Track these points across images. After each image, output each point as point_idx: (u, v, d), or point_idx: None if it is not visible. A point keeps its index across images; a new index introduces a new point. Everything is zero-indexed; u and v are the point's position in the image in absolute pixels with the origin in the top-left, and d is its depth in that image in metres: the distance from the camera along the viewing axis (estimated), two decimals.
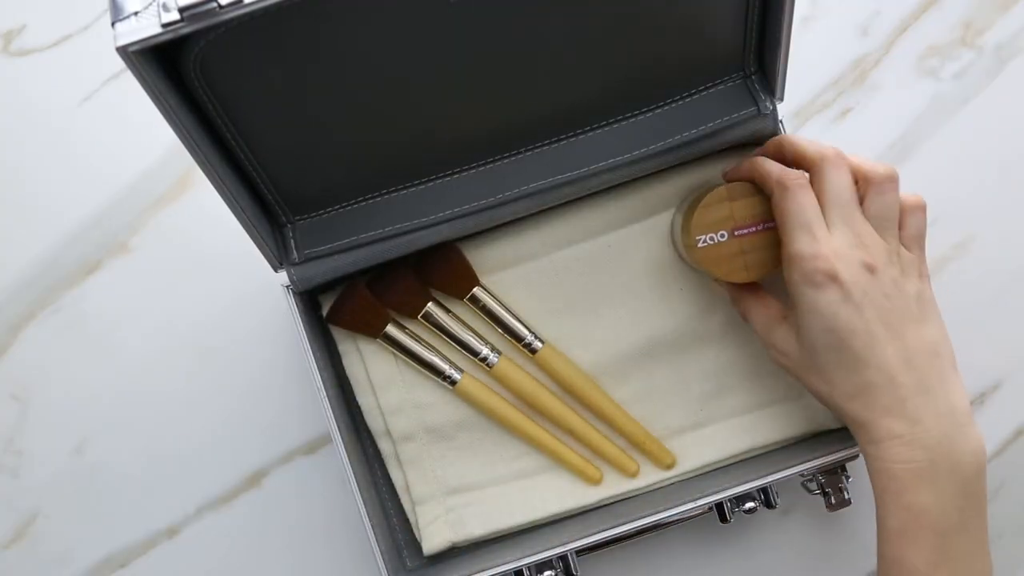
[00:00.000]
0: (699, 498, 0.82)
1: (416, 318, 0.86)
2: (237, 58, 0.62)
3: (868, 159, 0.76)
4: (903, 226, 0.77)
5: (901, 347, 0.72)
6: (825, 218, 0.74)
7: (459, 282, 0.86)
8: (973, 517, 0.72)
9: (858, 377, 0.73)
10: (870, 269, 0.72)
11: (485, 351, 0.86)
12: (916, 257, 0.76)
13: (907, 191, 0.77)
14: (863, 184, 0.75)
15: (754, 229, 0.80)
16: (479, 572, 0.81)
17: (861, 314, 0.72)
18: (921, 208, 0.77)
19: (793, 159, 0.78)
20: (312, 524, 0.93)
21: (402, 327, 0.85)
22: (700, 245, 0.80)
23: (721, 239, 0.80)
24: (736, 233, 0.80)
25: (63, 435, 0.93)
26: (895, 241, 0.75)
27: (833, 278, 0.72)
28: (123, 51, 0.54)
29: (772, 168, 0.77)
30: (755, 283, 0.82)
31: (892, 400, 0.72)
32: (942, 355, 0.74)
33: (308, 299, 0.85)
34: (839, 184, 0.74)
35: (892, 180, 0.75)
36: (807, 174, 0.76)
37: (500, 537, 0.88)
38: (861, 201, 0.75)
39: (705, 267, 0.80)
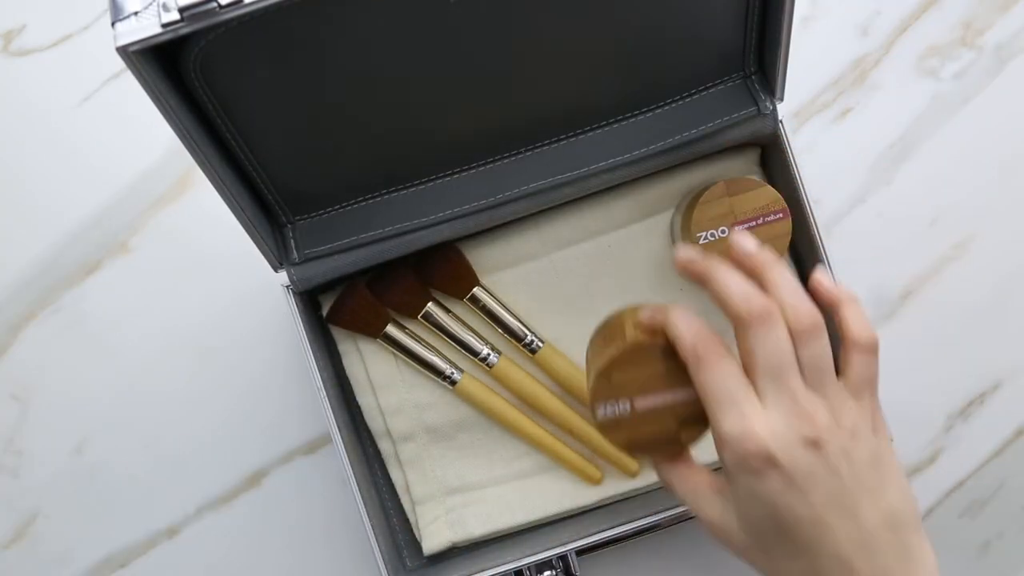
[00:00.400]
0: None
1: (416, 318, 0.86)
2: (237, 58, 0.62)
3: (794, 299, 0.64)
4: (847, 371, 0.65)
5: (855, 528, 0.62)
6: (755, 385, 0.63)
7: (459, 282, 0.86)
8: None
9: (808, 564, 0.64)
10: (814, 444, 0.61)
11: (485, 351, 0.86)
12: (866, 407, 0.65)
13: (856, 324, 0.65)
14: (792, 337, 0.64)
15: (756, 223, 0.80)
16: (479, 572, 0.81)
17: (806, 499, 0.61)
18: (869, 348, 0.65)
19: (716, 301, 0.66)
20: (312, 524, 0.94)
21: (402, 327, 0.85)
22: (701, 242, 0.80)
23: (723, 235, 0.80)
24: (737, 228, 0.80)
25: (63, 435, 0.94)
26: (838, 394, 0.64)
27: (771, 462, 0.61)
28: (123, 51, 0.54)
29: (684, 333, 0.65)
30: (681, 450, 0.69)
31: None
32: (903, 525, 0.63)
33: (308, 299, 0.85)
34: (768, 348, 0.63)
35: (815, 328, 0.63)
36: (719, 339, 0.65)
37: (500, 537, 0.89)
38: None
39: None
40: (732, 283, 0.64)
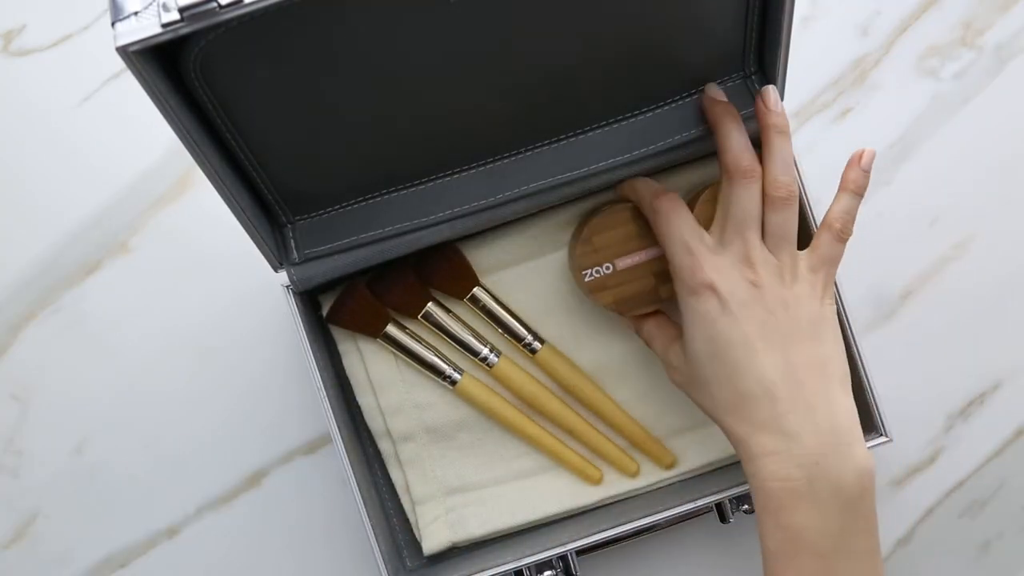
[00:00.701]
0: (699, 498, 0.82)
1: (416, 318, 0.85)
2: (237, 58, 0.62)
3: (777, 170, 0.74)
4: (814, 246, 0.74)
5: (782, 360, 0.70)
6: (720, 233, 0.74)
7: (459, 282, 0.86)
8: (859, 539, 0.69)
9: (735, 387, 0.71)
10: (754, 284, 0.71)
11: (485, 351, 0.86)
12: (819, 280, 0.73)
13: (837, 207, 0.75)
14: (765, 199, 0.74)
15: None
16: (479, 572, 0.81)
17: (739, 325, 0.70)
18: (836, 235, 0.74)
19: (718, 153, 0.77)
20: (312, 524, 0.93)
21: (402, 327, 0.85)
22: None
23: None
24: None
25: (63, 435, 0.94)
26: (793, 261, 0.73)
27: (711, 288, 0.71)
28: (123, 51, 0.53)
29: (643, 193, 0.78)
30: (657, 310, 0.83)
31: (769, 415, 0.70)
32: (830, 374, 0.71)
33: (308, 299, 0.85)
34: (738, 200, 0.73)
35: (789, 198, 0.73)
36: (675, 195, 0.77)
37: (500, 537, 0.89)
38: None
39: None
40: (734, 137, 0.75)
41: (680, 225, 0.74)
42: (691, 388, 0.76)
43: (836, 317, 0.73)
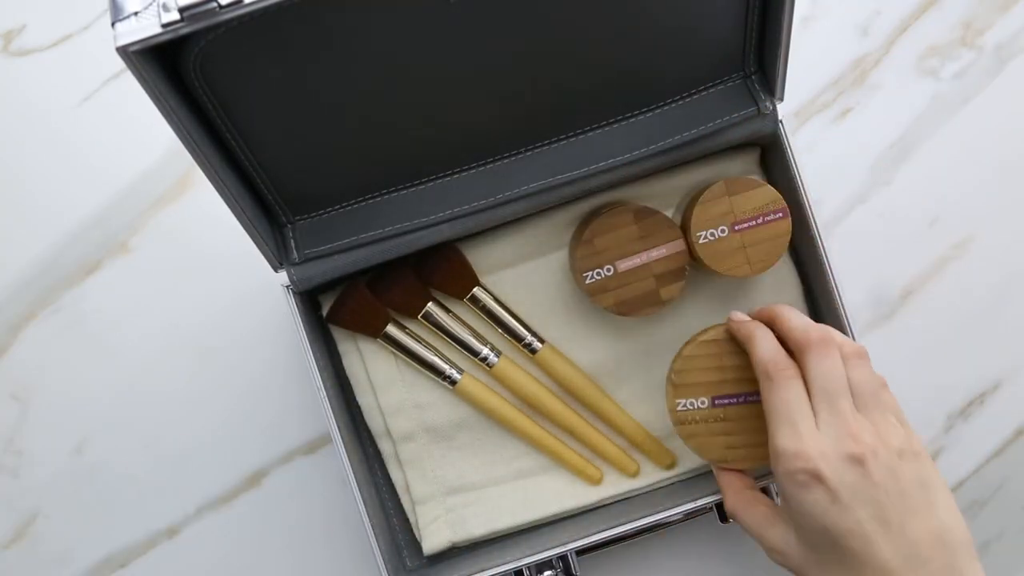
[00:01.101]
0: (699, 498, 0.82)
1: (416, 318, 0.85)
2: (237, 58, 0.62)
3: (840, 334, 0.73)
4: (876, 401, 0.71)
5: (903, 543, 0.66)
6: (813, 408, 0.70)
7: (459, 282, 0.86)
8: None
9: (859, 574, 0.67)
10: (859, 461, 0.66)
11: (485, 351, 0.86)
12: (907, 432, 0.70)
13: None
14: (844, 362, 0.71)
15: (755, 222, 0.80)
16: (479, 572, 0.81)
17: (851, 514, 0.66)
18: (883, 384, 0.72)
19: (781, 336, 0.74)
20: (312, 524, 0.93)
21: (402, 327, 0.85)
22: (701, 241, 0.80)
23: (722, 234, 0.80)
24: (736, 228, 0.80)
25: (63, 435, 0.93)
26: (885, 416, 0.70)
27: (817, 478, 0.67)
28: (123, 51, 0.54)
29: (762, 352, 0.73)
30: (742, 472, 0.79)
31: None
32: (953, 544, 0.66)
33: (308, 299, 0.85)
34: (824, 371, 0.70)
35: (863, 353, 0.72)
36: (793, 364, 0.72)
37: (500, 537, 0.88)
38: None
39: (707, 263, 0.80)
40: (792, 317, 0.74)
41: (790, 399, 0.70)
42: (807, 571, 0.70)
43: (938, 472, 0.70)
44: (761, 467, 0.79)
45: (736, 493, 0.77)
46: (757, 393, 0.77)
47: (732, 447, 0.79)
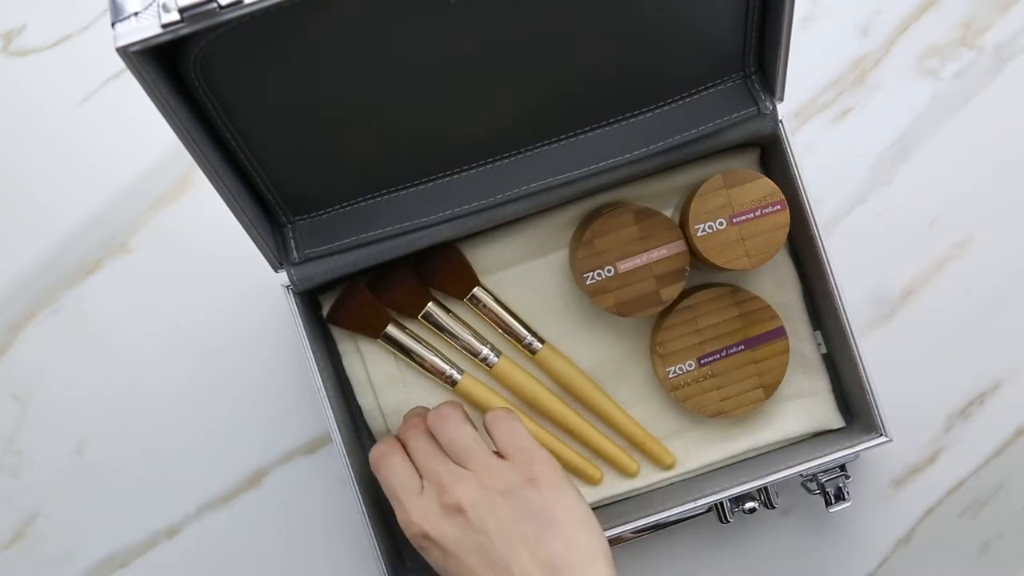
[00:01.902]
0: (699, 498, 0.82)
1: (416, 318, 0.85)
2: (237, 58, 0.62)
3: (434, 406, 0.78)
4: (493, 440, 0.74)
5: None
6: (420, 480, 0.73)
7: (459, 282, 0.86)
8: None
9: None
10: (458, 512, 0.70)
11: (485, 351, 0.86)
12: (521, 465, 0.71)
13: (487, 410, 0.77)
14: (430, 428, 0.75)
15: (753, 215, 0.80)
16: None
17: (462, 563, 0.69)
18: (503, 417, 0.75)
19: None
20: (312, 524, 0.93)
21: (402, 327, 0.85)
22: (699, 234, 0.80)
23: (720, 227, 0.80)
24: (734, 220, 0.80)
25: (63, 435, 0.93)
26: (485, 462, 0.72)
27: (428, 539, 0.71)
28: (123, 51, 0.53)
29: (373, 451, 0.77)
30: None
31: None
32: (566, 568, 0.67)
33: (308, 299, 0.85)
34: (413, 447, 0.75)
35: (443, 415, 0.75)
36: (393, 446, 0.76)
37: None
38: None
39: (706, 256, 0.80)
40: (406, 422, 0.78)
41: (394, 474, 0.74)
42: None
43: (554, 485, 0.71)
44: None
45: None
46: (737, 345, 0.85)
47: (726, 398, 0.85)
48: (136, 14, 0.53)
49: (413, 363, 0.86)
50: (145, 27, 0.53)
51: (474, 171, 0.81)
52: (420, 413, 0.78)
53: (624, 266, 0.81)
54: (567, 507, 0.70)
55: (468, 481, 0.71)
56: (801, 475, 0.84)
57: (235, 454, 0.93)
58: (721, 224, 0.80)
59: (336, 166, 0.76)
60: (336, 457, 0.81)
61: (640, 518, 0.81)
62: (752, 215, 0.80)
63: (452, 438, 0.73)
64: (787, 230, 0.81)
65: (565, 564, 0.67)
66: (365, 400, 0.87)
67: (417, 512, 0.71)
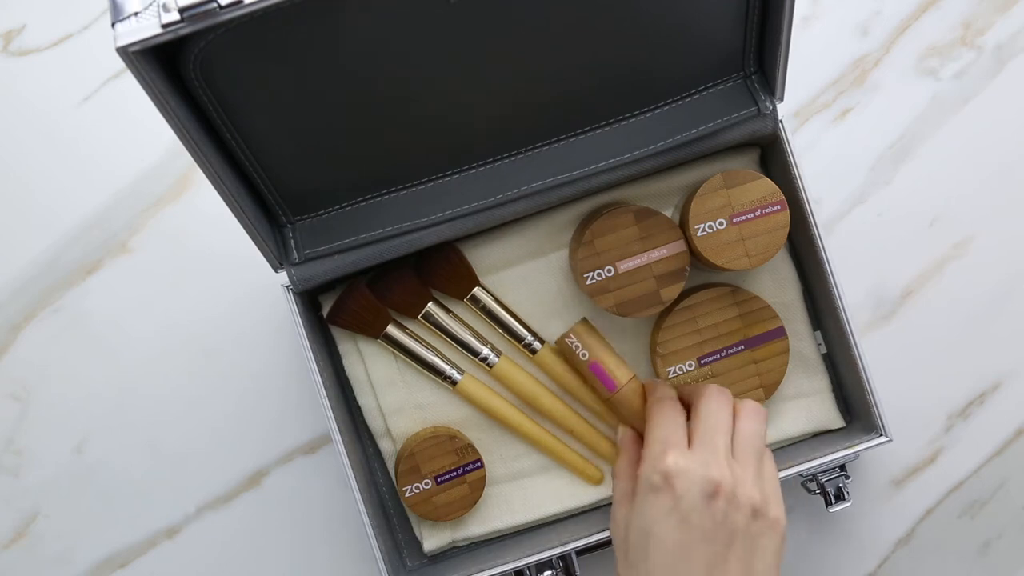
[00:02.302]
0: None
1: (416, 318, 0.85)
2: (237, 58, 0.62)
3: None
4: (741, 439, 0.74)
5: None
6: (691, 436, 0.72)
7: (459, 282, 0.86)
8: None
9: None
10: (714, 494, 0.69)
11: (485, 351, 0.86)
12: (769, 501, 0.72)
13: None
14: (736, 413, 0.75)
15: (753, 215, 0.80)
16: (479, 572, 0.81)
17: (683, 532, 0.69)
18: (770, 455, 0.75)
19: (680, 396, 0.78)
20: (312, 524, 0.93)
21: (402, 327, 0.85)
22: (699, 234, 0.80)
23: (720, 227, 0.80)
24: (734, 220, 0.80)
25: (63, 435, 0.93)
26: (754, 473, 0.72)
27: (669, 484, 0.69)
28: (123, 51, 0.53)
29: (657, 387, 0.79)
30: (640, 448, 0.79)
31: None
32: None
33: (308, 299, 0.85)
34: (710, 411, 0.74)
35: (757, 411, 0.75)
36: (674, 394, 0.78)
37: (500, 537, 0.89)
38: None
39: (706, 256, 0.80)
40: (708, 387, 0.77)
41: (669, 420, 0.74)
42: (619, 556, 0.73)
43: (783, 540, 0.72)
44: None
45: (627, 463, 0.77)
46: (736, 345, 0.85)
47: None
48: (136, 14, 0.53)
49: (413, 363, 0.86)
50: (145, 27, 0.53)
51: (474, 171, 0.81)
52: (723, 389, 0.76)
53: (624, 266, 0.81)
54: (778, 564, 0.71)
55: (735, 480, 0.70)
56: (801, 475, 0.84)
57: (235, 454, 0.93)
58: (721, 224, 0.80)
59: (336, 166, 0.76)
60: (336, 457, 0.81)
61: None
62: (752, 215, 0.80)
63: (752, 434, 0.73)
64: (787, 230, 0.81)
65: None
66: (365, 400, 0.87)
67: (679, 459, 0.70)
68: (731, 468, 0.70)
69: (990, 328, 0.95)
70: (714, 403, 0.74)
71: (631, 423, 0.82)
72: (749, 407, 0.75)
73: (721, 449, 0.71)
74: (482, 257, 0.87)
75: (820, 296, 0.86)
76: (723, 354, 0.84)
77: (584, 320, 0.84)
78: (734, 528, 0.69)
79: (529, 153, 0.81)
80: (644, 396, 0.83)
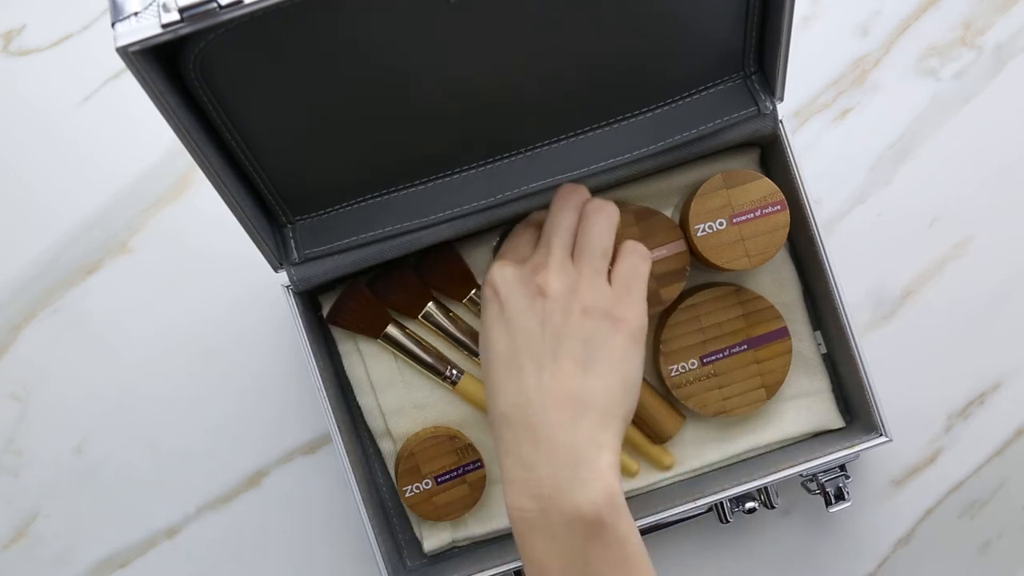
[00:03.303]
0: (699, 498, 0.82)
1: (416, 318, 0.85)
2: (237, 59, 0.61)
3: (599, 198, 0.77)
4: (615, 264, 0.73)
5: (535, 383, 0.68)
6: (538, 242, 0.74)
7: (458, 283, 0.85)
8: (612, 572, 0.65)
9: (493, 403, 0.70)
10: (538, 293, 0.70)
11: None
12: (621, 299, 0.71)
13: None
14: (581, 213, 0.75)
15: (753, 215, 0.80)
16: (479, 572, 0.81)
17: (510, 337, 0.70)
18: (640, 255, 0.74)
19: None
20: (312, 524, 0.93)
21: (402, 327, 0.85)
22: (699, 234, 0.80)
23: (720, 227, 0.80)
24: (735, 220, 0.80)
25: (63, 435, 0.93)
26: (593, 273, 0.71)
27: (495, 292, 0.71)
28: (123, 51, 0.53)
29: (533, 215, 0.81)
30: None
31: (512, 440, 0.68)
32: (585, 404, 0.68)
33: (308, 299, 0.85)
34: (552, 216, 0.75)
35: (601, 210, 0.74)
36: (541, 217, 0.79)
37: (500, 537, 0.88)
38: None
39: (706, 256, 0.80)
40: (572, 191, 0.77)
41: (520, 237, 0.77)
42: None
43: (633, 340, 0.71)
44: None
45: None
46: (739, 345, 0.85)
47: (728, 397, 0.85)
48: (136, 14, 0.53)
49: (413, 363, 0.86)
50: (145, 27, 0.53)
51: (474, 171, 0.81)
52: (574, 188, 0.77)
53: None
54: (628, 366, 0.70)
55: (568, 278, 0.71)
56: (801, 475, 0.84)
57: (235, 454, 0.93)
58: (721, 224, 0.80)
59: (336, 166, 0.76)
60: (336, 457, 0.81)
61: (640, 518, 0.81)
62: (752, 215, 0.80)
63: (596, 235, 0.73)
64: (787, 230, 0.81)
65: (588, 402, 0.68)
66: (365, 400, 0.87)
67: (510, 269, 0.72)
68: (563, 270, 0.70)
69: (990, 328, 0.95)
70: (557, 206, 0.75)
71: (635, 414, 0.82)
72: (594, 209, 0.74)
73: (556, 252, 0.72)
74: (482, 257, 0.87)
75: (820, 296, 0.86)
76: (726, 353, 0.84)
77: None
78: (561, 327, 0.69)
79: (529, 153, 0.81)
80: (647, 386, 0.86)
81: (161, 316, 0.94)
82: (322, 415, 0.81)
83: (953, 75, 0.96)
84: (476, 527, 0.87)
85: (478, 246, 0.87)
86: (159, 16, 0.53)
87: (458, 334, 0.85)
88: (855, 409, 0.88)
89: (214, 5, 0.53)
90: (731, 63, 0.79)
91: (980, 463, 0.95)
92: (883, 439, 0.82)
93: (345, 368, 0.87)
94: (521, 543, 0.66)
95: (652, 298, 0.81)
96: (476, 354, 0.86)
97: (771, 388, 0.85)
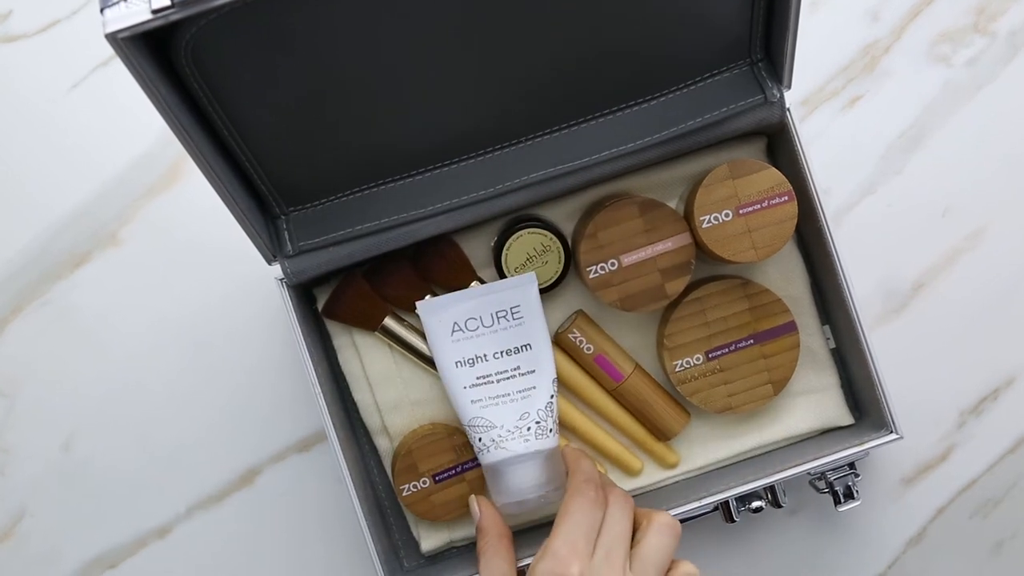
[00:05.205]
0: (704, 497, 0.82)
1: (414, 311, 0.84)
2: (229, 45, 0.61)
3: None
4: (641, 543, 0.73)
5: None
6: (595, 545, 0.72)
7: (457, 275, 0.85)
8: None
9: None
10: None
11: None
12: None
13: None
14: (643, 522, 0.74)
15: (760, 206, 0.80)
16: (478, 573, 0.80)
17: None
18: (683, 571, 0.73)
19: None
20: (306, 523, 0.93)
21: (400, 319, 0.84)
22: (704, 226, 0.80)
23: (726, 219, 0.80)
24: (741, 212, 0.80)
25: (51, 431, 0.93)
26: None
27: None
28: (112, 38, 0.53)
29: (588, 468, 0.77)
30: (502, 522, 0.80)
31: None
32: None
33: (302, 292, 0.85)
34: (614, 521, 0.73)
35: (669, 527, 0.73)
36: (596, 479, 0.76)
37: None
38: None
39: (711, 248, 0.80)
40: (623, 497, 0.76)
41: (587, 519, 0.73)
42: None
43: None
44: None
45: (496, 538, 0.78)
46: (745, 339, 0.84)
47: (734, 394, 0.85)
48: (125, 0, 0.53)
49: (411, 357, 0.85)
50: (135, 13, 0.53)
51: (473, 161, 0.80)
52: (627, 495, 0.76)
53: (628, 259, 0.80)
54: None
55: None
56: (809, 473, 0.83)
57: (227, 452, 0.93)
58: (727, 215, 0.80)
59: (331, 155, 0.76)
60: (331, 455, 0.81)
61: None
62: (759, 206, 0.80)
63: (658, 550, 0.72)
64: (795, 221, 0.80)
65: None
66: (361, 396, 0.87)
67: (580, 567, 0.70)
68: None
69: (1003, 322, 0.95)
70: (618, 513, 0.73)
71: (638, 411, 0.85)
72: (662, 524, 0.73)
73: (619, 564, 0.70)
74: (482, 250, 0.86)
75: (829, 289, 0.86)
76: (732, 348, 0.84)
77: (583, 313, 0.84)
78: None
79: (530, 142, 0.80)
80: (651, 381, 0.86)
81: (152, 309, 0.94)
82: (317, 412, 0.81)
83: (966, 62, 0.95)
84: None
85: (478, 237, 0.86)
86: (149, 1, 0.53)
87: None
88: (865, 405, 0.88)
89: None
90: (737, 50, 0.79)
91: (993, 461, 0.95)
92: (893, 436, 0.82)
93: (340, 363, 0.87)
94: None
95: (657, 293, 0.81)
96: None
97: (778, 384, 0.84)
